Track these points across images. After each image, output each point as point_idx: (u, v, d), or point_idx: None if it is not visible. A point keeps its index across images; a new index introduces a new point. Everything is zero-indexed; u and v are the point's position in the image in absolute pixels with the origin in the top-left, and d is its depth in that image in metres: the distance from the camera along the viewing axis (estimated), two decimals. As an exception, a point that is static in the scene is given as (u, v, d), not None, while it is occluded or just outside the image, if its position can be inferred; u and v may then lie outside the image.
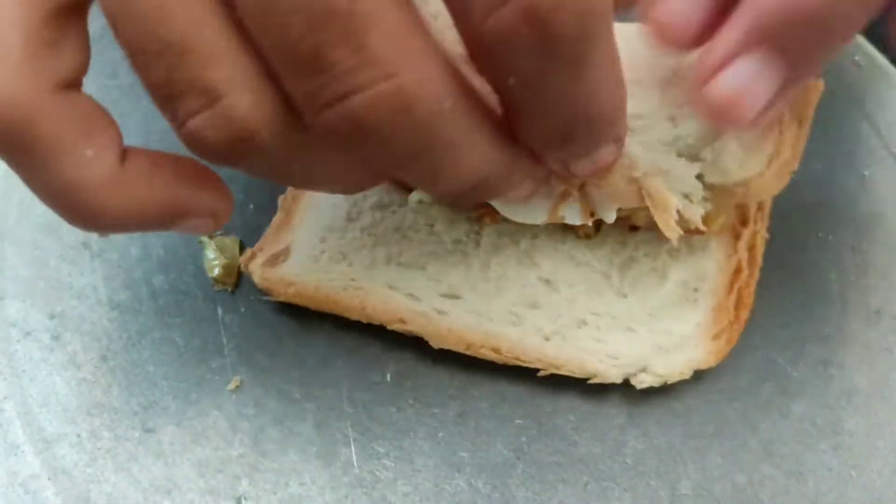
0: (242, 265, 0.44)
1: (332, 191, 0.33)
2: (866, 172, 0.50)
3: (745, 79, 0.32)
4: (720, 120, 0.34)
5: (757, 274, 0.43)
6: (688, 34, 0.34)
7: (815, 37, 0.32)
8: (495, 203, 0.40)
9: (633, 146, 0.38)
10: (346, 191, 0.33)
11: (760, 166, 0.38)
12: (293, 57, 0.25)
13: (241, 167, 0.29)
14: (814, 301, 0.46)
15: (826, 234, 0.48)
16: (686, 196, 0.39)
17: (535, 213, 0.40)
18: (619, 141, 0.35)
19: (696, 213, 0.39)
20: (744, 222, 0.44)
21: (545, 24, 0.25)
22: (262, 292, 0.43)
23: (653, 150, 0.39)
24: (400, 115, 0.26)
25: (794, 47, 0.32)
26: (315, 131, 0.27)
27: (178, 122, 0.27)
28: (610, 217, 0.40)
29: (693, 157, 0.39)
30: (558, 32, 0.25)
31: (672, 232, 0.39)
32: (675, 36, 0.34)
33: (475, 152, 0.30)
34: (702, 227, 0.40)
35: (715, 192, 0.40)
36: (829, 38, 0.32)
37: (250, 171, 0.29)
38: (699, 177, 0.39)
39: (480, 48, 0.27)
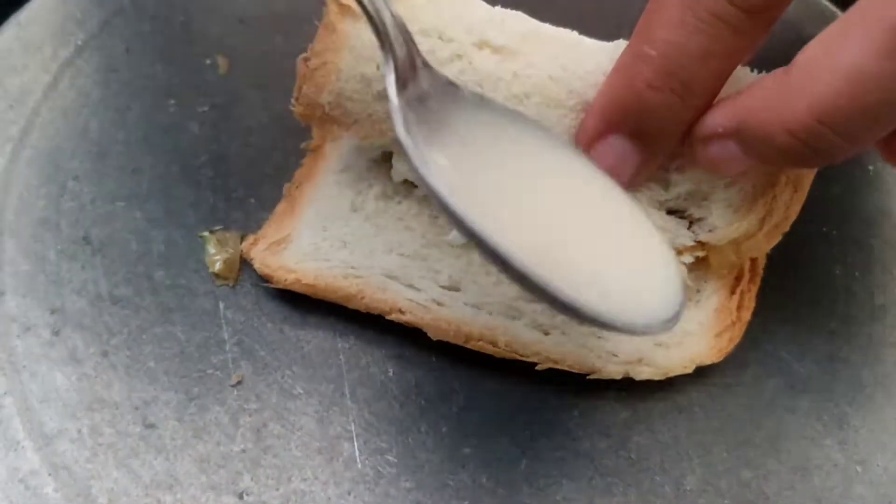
0: (244, 251, 0.44)
1: None
2: (871, 168, 0.50)
3: (611, 157, 0.37)
4: None
5: (759, 279, 0.43)
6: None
7: (656, 123, 0.36)
8: None
9: None
10: None
11: (751, 227, 0.39)
12: None
13: None
14: (819, 296, 0.45)
15: (831, 230, 0.48)
16: (678, 251, 0.40)
17: None
18: None
19: (682, 272, 0.40)
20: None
21: None
22: (263, 279, 0.43)
23: (646, 206, 0.40)
24: None
25: (644, 132, 0.36)
26: None
27: None
28: None
29: (682, 213, 0.40)
30: None
31: None
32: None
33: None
34: (688, 283, 0.41)
35: (708, 250, 0.41)
36: (672, 118, 0.36)
37: None
38: (690, 230, 0.40)
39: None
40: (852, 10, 0.30)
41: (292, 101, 0.41)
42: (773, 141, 0.32)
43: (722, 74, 0.35)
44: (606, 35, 0.41)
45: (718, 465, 0.40)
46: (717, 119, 0.35)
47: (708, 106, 0.36)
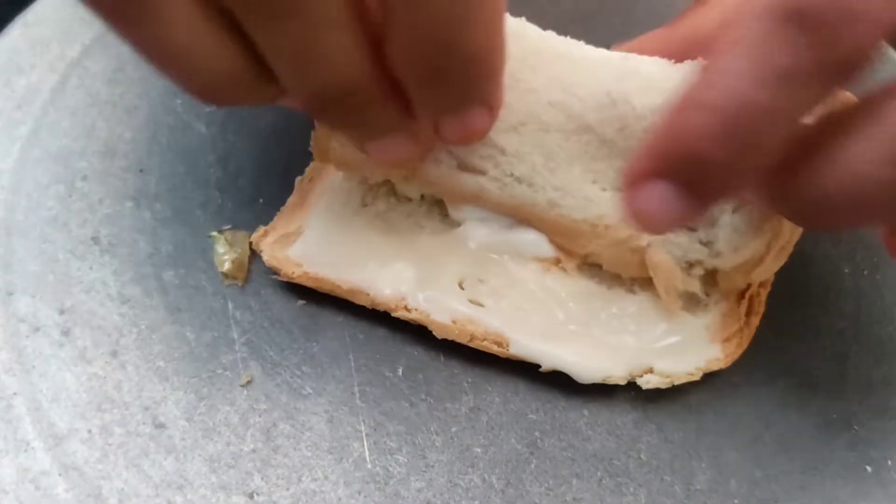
0: (253, 241, 0.44)
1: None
2: (880, 166, 0.50)
3: (654, 203, 0.34)
4: (637, 226, 0.36)
5: (769, 284, 0.42)
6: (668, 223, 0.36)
7: (712, 180, 0.33)
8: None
9: None
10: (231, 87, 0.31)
11: (757, 252, 0.39)
12: None
13: None
14: (828, 295, 0.45)
15: (840, 228, 0.47)
16: (689, 264, 0.40)
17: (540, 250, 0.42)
18: (491, 108, 0.35)
19: (695, 286, 0.40)
20: None
21: None
22: (272, 274, 0.43)
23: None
24: None
25: (696, 186, 0.33)
26: None
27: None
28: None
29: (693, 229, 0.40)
30: None
31: (674, 304, 0.40)
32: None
33: (342, 45, 0.29)
34: (701, 296, 0.41)
35: (717, 275, 0.40)
36: (727, 175, 0.33)
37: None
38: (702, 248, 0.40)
39: None
40: (869, 104, 0.29)
41: (311, 143, 0.41)
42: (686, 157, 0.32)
43: (788, 132, 0.32)
44: (613, 35, 0.41)
45: (728, 466, 0.40)
46: (641, 162, 0.33)
47: (768, 166, 0.33)
